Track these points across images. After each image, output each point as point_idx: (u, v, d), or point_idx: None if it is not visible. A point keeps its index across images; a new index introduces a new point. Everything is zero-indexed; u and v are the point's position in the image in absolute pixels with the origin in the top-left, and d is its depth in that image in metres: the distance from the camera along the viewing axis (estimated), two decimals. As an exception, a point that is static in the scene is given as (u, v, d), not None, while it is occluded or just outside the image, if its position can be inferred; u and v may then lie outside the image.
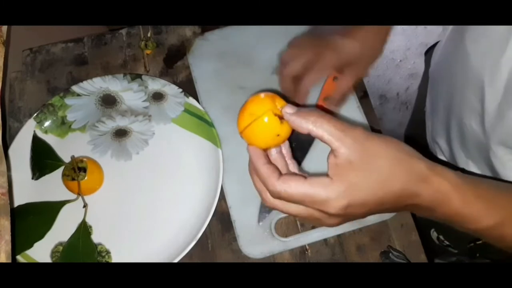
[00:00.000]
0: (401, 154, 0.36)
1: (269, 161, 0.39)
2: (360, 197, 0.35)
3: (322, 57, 0.52)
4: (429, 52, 0.73)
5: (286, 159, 0.43)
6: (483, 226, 0.38)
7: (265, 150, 0.41)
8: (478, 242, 0.62)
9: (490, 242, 0.43)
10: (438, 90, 0.62)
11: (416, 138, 0.75)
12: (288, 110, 0.38)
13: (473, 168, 0.59)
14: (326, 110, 0.56)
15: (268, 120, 0.39)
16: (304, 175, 0.37)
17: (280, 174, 0.37)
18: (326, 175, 0.36)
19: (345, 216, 0.37)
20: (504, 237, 0.40)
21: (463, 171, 0.60)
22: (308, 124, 0.36)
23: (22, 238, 0.55)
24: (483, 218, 0.38)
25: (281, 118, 0.39)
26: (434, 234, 0.73)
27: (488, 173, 0.56)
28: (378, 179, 0.35)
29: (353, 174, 0.35)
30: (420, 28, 1.63)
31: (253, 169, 0.40)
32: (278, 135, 0.39)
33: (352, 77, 0.54)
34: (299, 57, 0.53)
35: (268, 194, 0.39)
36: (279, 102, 0.39)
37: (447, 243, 0.72)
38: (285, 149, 0.44)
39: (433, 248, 0.74)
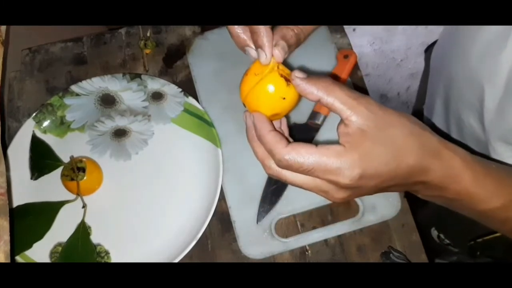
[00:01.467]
0: (415, 126, 0.35)
1: (275, 128, 0.37)
2: (374, 167, 0.33)
3: None
4: (429, 50, 0.73)
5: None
6: (490, 207, 0.37)
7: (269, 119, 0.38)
8: (478, 240, 0.62)
9: (493, 226, 0.41)
10: (436, 87, 0.62)
11: None
12: (298, 74, 0.36)
13: None
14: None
15: (274, 80, 0.37)
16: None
17: (288, 141, 0.35)
18: (337, 143, 0.34)
19: (355, 189, 0.35)
20: (508, 220, 0.39)
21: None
22: (319, 91, 0.34)
23: (21, 238, 0.55)
24: (491, 198, 0.37)
25: (286, 80, 0.37)
26: (434, 232, 0.73)
27: None
28: (392, 149, 0.34)
29: (366, 143, 0.33)
30: (421, 27, 1.63)
31: (256, 136, 0.37)
32: (284, 98, 0.37)
33: None
34: None
35: (272, 162, 0.36)
36: (283, 68, 0.38)
37: (448, 241, 0.72)
38: (284, 126, 0.42)
39: (434, 247, 0.73)
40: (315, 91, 0.34)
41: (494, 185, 0.37)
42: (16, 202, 0.58)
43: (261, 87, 0.37)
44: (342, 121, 0.34)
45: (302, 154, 0.33)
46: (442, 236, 0.72)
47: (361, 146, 0.33)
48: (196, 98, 0.63)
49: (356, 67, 0.64)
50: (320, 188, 0.36)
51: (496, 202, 0.37)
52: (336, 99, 0.34)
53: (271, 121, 0.38)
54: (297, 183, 0.37)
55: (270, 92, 0.37)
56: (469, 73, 0.50)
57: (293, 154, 0.34)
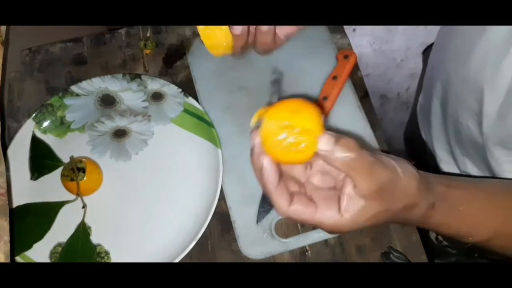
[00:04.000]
0: (411, 200, 0.37)
1: (280, 179, 0.36)
2: (359, 225, 0.36)
3: None
4: (426, 51, 0.72)
5: None
6: (471, 241, 0.41)
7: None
8: None
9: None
10: (434, 87, 0.62)
11: (414, 138, 0.75)
12: (324, 147, 0.33)
13: (470, 166, 0.58)
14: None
15: (308, 156, 0.34)
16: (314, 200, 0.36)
17: (291, 197, 0.35)
18: (336, 206, 0.35)
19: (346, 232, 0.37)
20: (492, 249, 0.43)
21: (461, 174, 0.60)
22: (341, 166, 0.34)
23: (21, 239, 0.55)
24: (470, 235, 0.41)
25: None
26: (433, 234, 0.72)
27: (486, 172, 0.56)
28: (380, 216, 0.36)
29: (362, 212, 0.35)
30: (421, 28, 1.63)
31: (261, 182, 0.37)
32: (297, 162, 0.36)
33: None
34: None
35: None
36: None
37: (446, 243, 0.72)
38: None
39: (432, 248, 0.73)
40: (335, 163, 0.34)
41: (474, 226, 0.41)
42: (16, 203, 0.58)
43: (291, 154, 0.34)
44: (352, 182, 0.34)
45: (301, 216, 0.36)
46: (440, 238, 0.72)
47: (356, 215, 0.35)
48: (196, 98, 0.63)
49: (356, 67, 0.65)
50: (319, 225, 0.37)
51: (477, 238, 0.41)
52: (357, 177, 0.34)
53: (277, 169, 0.36)
54: (300, 218, 0.38)
55: (295, 158, 0.34)
56: (468, 76, 0.50)
57: (293, 214, 0.36)
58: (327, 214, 0.35)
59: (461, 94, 0.53)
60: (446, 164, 0.64)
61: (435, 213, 0.38)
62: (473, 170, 0.58)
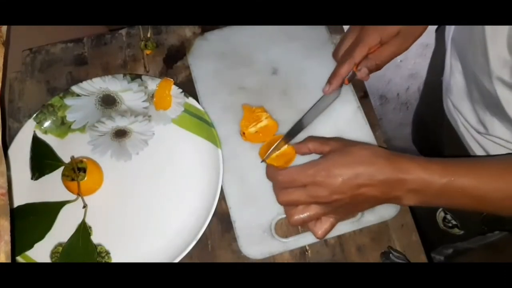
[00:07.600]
0: (374, 168, 0.46)
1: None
2: (334, 168, 0.46)
3: (367, 33, 0.57)
4: (439, 28, 0.74)
5: None
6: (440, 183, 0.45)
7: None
8: None
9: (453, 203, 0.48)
10: (453, 56, 0.64)
11: (426, 120, 0.77)
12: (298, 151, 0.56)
13: (498, 127, 0.56)
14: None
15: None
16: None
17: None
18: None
19: (328, 187, 0.46)
20: (462, 189, 0.45)
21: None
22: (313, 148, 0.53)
23: (22, 238, 0.55)
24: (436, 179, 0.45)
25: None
26: (441, 214, 0.71)
27: None
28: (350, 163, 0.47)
29: (329, 161, 0.47)
30: (420, 28, 1.63)
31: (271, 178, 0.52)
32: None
33: (395, 46, 0.61)
34: (347, 37, 0.60)
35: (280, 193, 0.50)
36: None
37: (454, 223, 0.70)
38: None
39: (435, 235, 0.72)
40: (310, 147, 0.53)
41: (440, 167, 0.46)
42: (16, 202, 0.58)
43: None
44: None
45: (289, 170, 0.49)
46: (449, 217, 0.70)
47: (326, 158, 0.48)
48: (196, 98, 0.63)
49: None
50: (307, 196, 0.47)
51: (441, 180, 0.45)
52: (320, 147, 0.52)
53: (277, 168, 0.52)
54: (295, 198, 0.48)
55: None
56: (474, 36, 0.51)
57: (285, 172, 0.49)
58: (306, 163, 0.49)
59: (476, 56, 0.52)
60: (476, 134, 0.62)
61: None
62: (504, 132, 0.56)
